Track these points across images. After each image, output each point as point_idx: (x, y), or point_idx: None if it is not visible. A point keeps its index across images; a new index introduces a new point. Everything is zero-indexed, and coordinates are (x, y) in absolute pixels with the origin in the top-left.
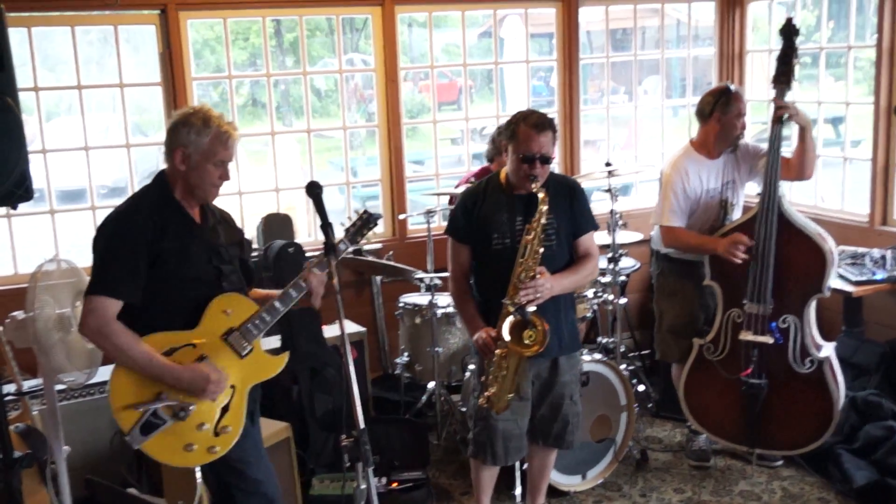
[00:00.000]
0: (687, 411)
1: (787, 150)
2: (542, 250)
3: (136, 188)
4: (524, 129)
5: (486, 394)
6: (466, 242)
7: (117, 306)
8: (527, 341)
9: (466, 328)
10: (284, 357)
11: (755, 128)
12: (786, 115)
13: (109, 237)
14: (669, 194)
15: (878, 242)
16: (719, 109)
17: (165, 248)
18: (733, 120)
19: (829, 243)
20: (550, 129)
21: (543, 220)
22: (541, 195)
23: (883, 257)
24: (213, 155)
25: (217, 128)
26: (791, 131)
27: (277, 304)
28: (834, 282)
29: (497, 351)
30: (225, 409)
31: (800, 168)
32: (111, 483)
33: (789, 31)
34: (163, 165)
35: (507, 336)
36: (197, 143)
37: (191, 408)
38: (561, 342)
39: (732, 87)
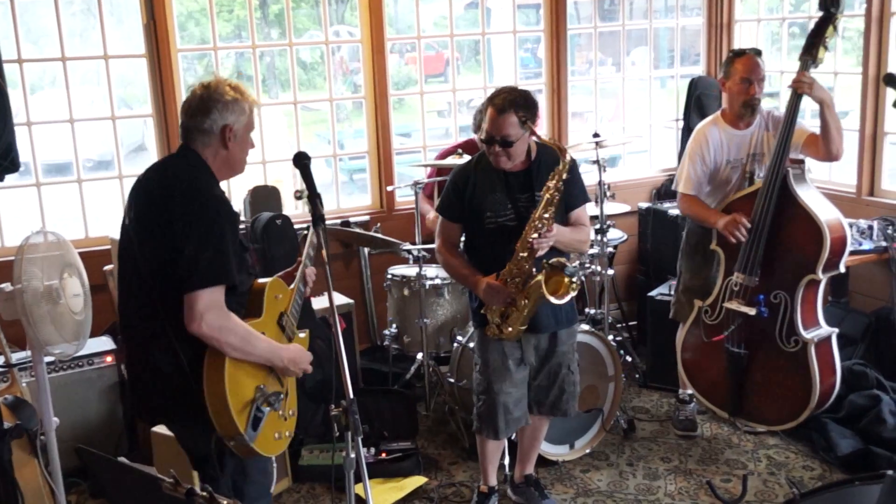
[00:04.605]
0: (681, 369)
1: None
2: (552, 209)
3: (123, 161)
4: (489, 109)
5: (502, 325)
6: (458, 221)
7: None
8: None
9: (466, 283)
10: (307, 335)
11: None
12: (802, 90)
13: (212, 218)
14: (687, 162)
15: (866, 213)
16: (723, 74)
17: (238, 234)
18: (736, 85)
19: (832, 227)
20: (515, 110)
21: (553, 182)
22: (563, 160)
23: (870, 227)
24: (252, 126)
25: (249, 98)
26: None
27: (301, 286)
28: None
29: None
30: (286, 394)
31: (825, 147)
32: (102, 452)
33: (826, 3)
34: (149, 137)
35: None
36: (240, 117)
37: (281, 396)
38: (559, 318)
39: (741, 49)
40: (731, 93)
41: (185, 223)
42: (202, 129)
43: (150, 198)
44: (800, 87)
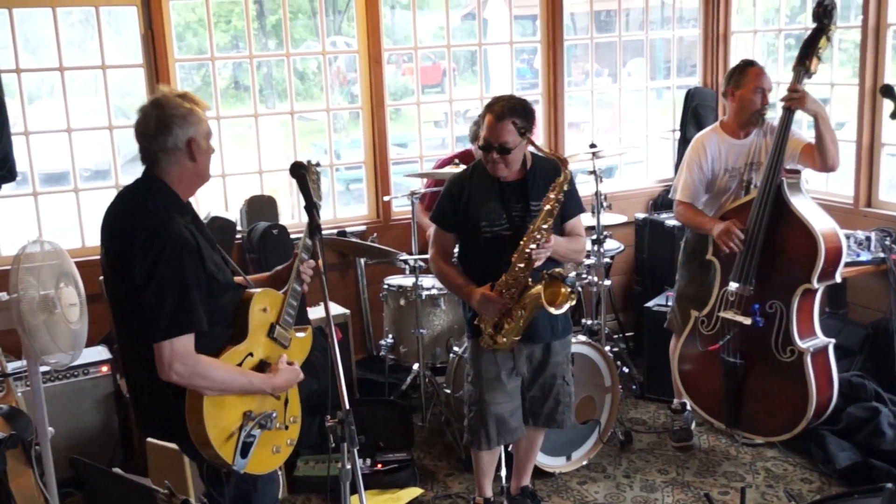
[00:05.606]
0: (676, 379)
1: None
2: (551, 220)
3: (119, 171)
4: (488, 116)
5: (496, 336)
6: (453, 231)
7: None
8: (563, 290)
9: (460, 294)
10: (309, 333)
11: None
12: (794, 106)
13: (171, 265)
14: (685, 170)
15: (863, 224)
16: (733, 83)
17: (209, 260)
18: (748, 94)
19: (827, 237)
20: (514, 117)
21: (553, 194)
22: (566, 170)
23: (868, 238)
24: (210, 132)
25: (201, 104)
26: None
27: (297, 286)
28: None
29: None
30: (286, 402)
31: (821, 158)
32: (96, 463)
33: (819, 14)
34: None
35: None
36: (199, 127)
37: (273, 415)
38: (555, 329)
39: (750, 61)
40: (742, 101)
41: (144, 272)
42: (166, 149)
43: (114, 240)
44: (792, 103)
